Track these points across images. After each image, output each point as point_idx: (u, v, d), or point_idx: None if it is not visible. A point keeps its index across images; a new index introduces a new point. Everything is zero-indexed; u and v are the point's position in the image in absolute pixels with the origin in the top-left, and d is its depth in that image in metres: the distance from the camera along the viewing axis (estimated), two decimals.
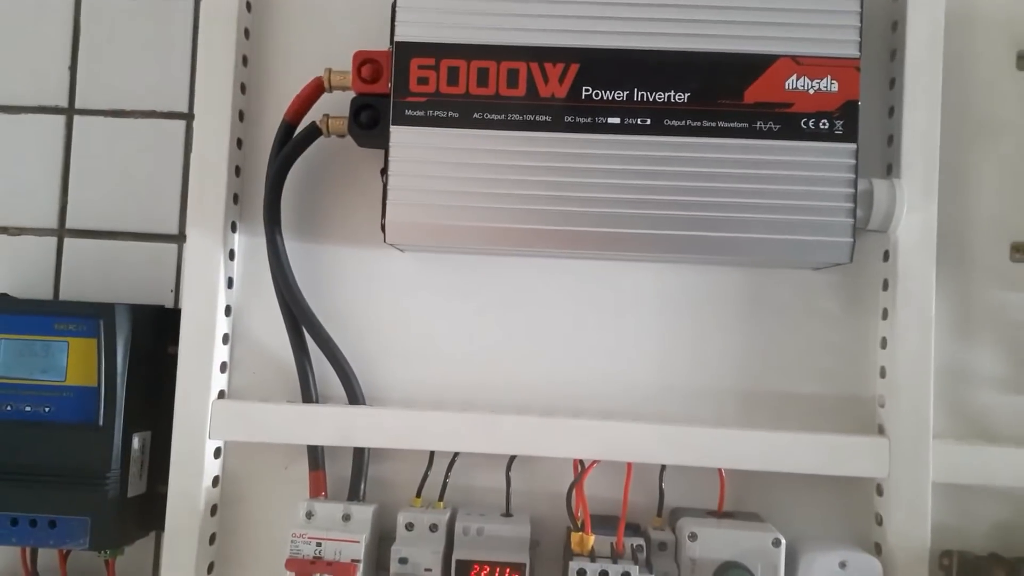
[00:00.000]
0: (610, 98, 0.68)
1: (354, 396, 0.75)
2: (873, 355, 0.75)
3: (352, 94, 0.71)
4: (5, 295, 0.76)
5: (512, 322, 0.77)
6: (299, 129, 0.75)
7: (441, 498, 0.74)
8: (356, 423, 0.72)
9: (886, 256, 0.74)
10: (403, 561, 0.69)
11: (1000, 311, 0.76)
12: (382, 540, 0.73)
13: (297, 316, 0.75)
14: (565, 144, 0.68)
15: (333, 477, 0.76)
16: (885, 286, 0.74)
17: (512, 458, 0.74)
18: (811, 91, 0.68)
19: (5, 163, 0.82)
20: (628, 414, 0.76)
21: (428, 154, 0.68)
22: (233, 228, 0.77)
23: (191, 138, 0.80)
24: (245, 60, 0.78)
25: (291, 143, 0.74)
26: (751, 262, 0.74)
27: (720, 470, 0.72)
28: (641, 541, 0.69)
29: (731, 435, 0.71)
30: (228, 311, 0.76)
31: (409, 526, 0.71)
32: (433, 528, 0.71)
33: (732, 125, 0.67)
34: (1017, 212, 0.76)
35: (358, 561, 0.68)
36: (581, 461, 0.72)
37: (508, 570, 0.68)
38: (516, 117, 0.68)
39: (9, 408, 0.72)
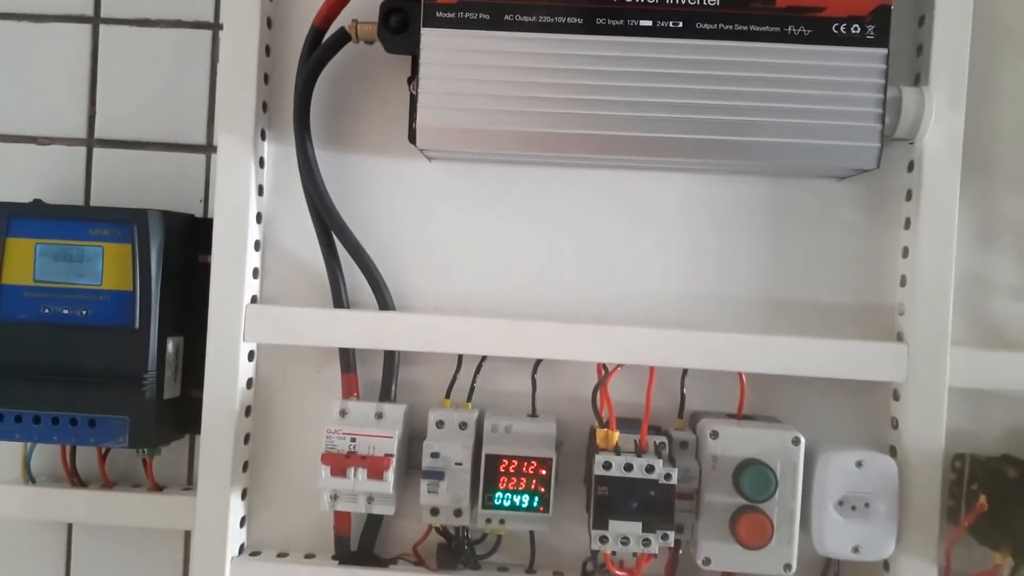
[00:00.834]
0: (642, 0, 0.67)
1: (384, 303, 0.77)
2: (894, 264, 0.77)
3: None
4: (39, 201, 0.77)
5: (539, 232, 0.78)
6: (328, 35, 0.75)
7: (469, 400, 0.76)
8: (386, 327, 0.74)
9: (911, 166, 0.75)
10: (435, 455, 0.71)
11: (1022, 221, 0.77)
12: (412, 440, 0.75)
13: (327, 223, 0.76)
14: (596, 47, 0.68)
15: (364, 381, 0.78)
16: (908, 196, 0.75)
17: (537, 362, 0.76)
18: None
19: (32, 73, 0.82)
20: (651, 322, 0.77)
21: (459, 57, 0.69)
22: (263, 136, 0.77)
23: (217, 48, 0.80)
24: None
25: (320, 49, 0.74)
26: (778, 169, 0.74)
27: (740, 374, 0.74)
28: (664, 439, 0.71)
29: (752, 340, 0.73)
30: (259, 218, 0.78)
31: (440, 424, 0.73)
32: (463, 426, 0.73)
33: (764, 29, 0.67)
34: None
35: (391, 456, 0.71)
36: (604, 365, 0.73)
37: (536, 464, 0.70)
38: (547, 19, 0.68)
39: (47, 311, 0.74)
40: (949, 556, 0.74)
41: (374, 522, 0.77)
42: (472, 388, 0.76)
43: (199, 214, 0.81)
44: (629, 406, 0.75)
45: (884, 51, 0.67)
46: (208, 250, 0.75)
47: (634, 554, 0.70)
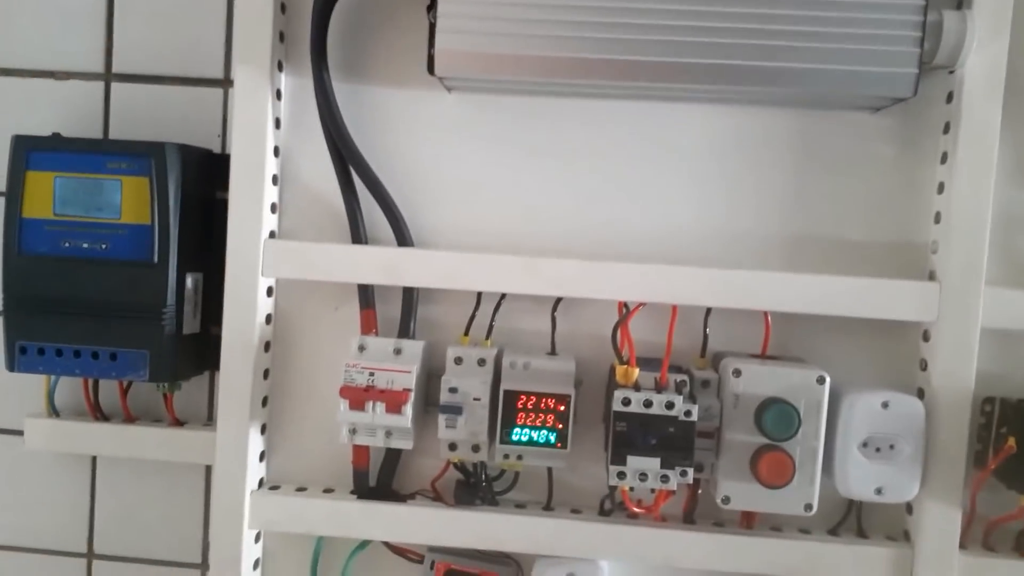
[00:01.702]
0: None
1: (403, 238, 0.76)
2: (928, 201, 0.74)
3: None
4: (57, 134, 0.76)
5: (559, 167, 0.77)
6: None
7: (488, 338, 0.75)
8: (404, 263, 0.73)
9: (949, 97, 0.72)
10: (453, 390, 0.70)
11: None
12: (431, 378, 0.75)
13: (345, 156, 0.75)
14: None
15: (383, 318, 0.77)
16: (946, 129, 0.72)
17: (558, 300, 0.75)
18: None
19: (49, 7, 0.81)
20: (675, 260, 0.75)
21: None
22: (280, 67, 0.76)
23: None
24: None
25: None
26: (809, 99, 0.72)
27: (765, 313, 0.72)
28: (685, 377, 0.70)
29: (777, 278, 0.71)
30: (276, 152, 0.77)
31: (458, 360, 0.73)
32: (481, 362, 0.72)
33: None
34: None
35: (409, 390, 0.70)
36: (626, 304, 0.72)
37: (554, 400, 0.70)
38: None
39: (68, 245, 0.74)
40: (974, 499, 0.73)
41: (392, 457, 0.77)
42: (491, 326, 0.75)
43: (217, 150, 0.80)
44: (650, 345, 0.74)
45: None
46: (226, 186, 0.75)
47: (652, 491, 0.70)
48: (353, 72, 0.77)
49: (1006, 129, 0.71)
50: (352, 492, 0.77)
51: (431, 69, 0.69)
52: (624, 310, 0.72)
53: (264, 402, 0.78)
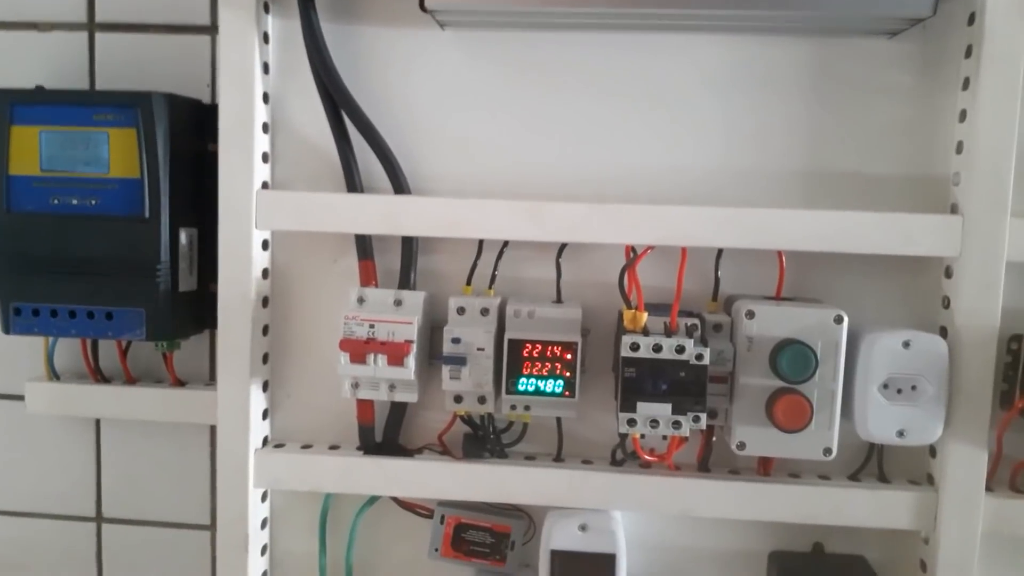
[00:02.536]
0: None
1: (399, 186, 0.73)
2: (949, 130, 0.70)
3: None
4: (40, 87, 0.74)
5: (561, 106, 0.73)
6: None
7: (491, 287, 0.73)
8: (402, 211, 0.71)
9: (971, 19, 0.68)
10: (456, 341, 0.68)
11: None
12: (434, 331, 0.73)
13: (337, 101, 0.72)
14: None
15: (382, 269, 0.75)
16: (968, 52, 0.68)
17: (562, 246, 0.72)
18: None
19: None
20: (684, 200, 0.72)
21: None
22: (266, 9, 0.73)
23: None
24: None
25: None
26: (821, 23, 0.68)
27: (779, 253, 0.70)
28: (696, 321, 0.67)
29: (791, 215, 0.68)
30: (266, 98, 0.74)
31: (460, 310, 0.70)
32: (484, 312, 0.70)
33: None
34: None
35: (411, 341, 0.68)
36: (634, 248, 0.69)
37: (560, 348, 0.67)
38: None
39: (57, 202, 0.72)
40: (1000, 440, 0.70)
41: (398, 412, 0.75)
42: (494, 275, 0.73)
43: (207, 100, 0.78)
44: (660, 291, 0.71)
45: None
46: (217, 138, 0.72)
47: (664, 438, 0.68)
48: (342, 11, 0.74)
49: None
50: (358, 448, 0.76)
51: (422, 4, 0.65)
52: (632, 254, 0.69)
53: (265, 359, 0.76)
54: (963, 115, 0.69)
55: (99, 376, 0.79)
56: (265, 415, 0.77)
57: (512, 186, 0.74)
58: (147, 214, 0.71)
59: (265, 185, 0.74)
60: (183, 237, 0.74)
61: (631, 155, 0.73)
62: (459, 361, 0.68)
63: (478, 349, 0.68)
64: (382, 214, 0.71)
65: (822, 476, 0.72)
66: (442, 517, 0.74)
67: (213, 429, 0.80)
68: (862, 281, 0.72)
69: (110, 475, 0.83)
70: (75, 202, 0.72)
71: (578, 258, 0.74)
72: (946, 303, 0.70)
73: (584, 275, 0.74)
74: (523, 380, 0.68)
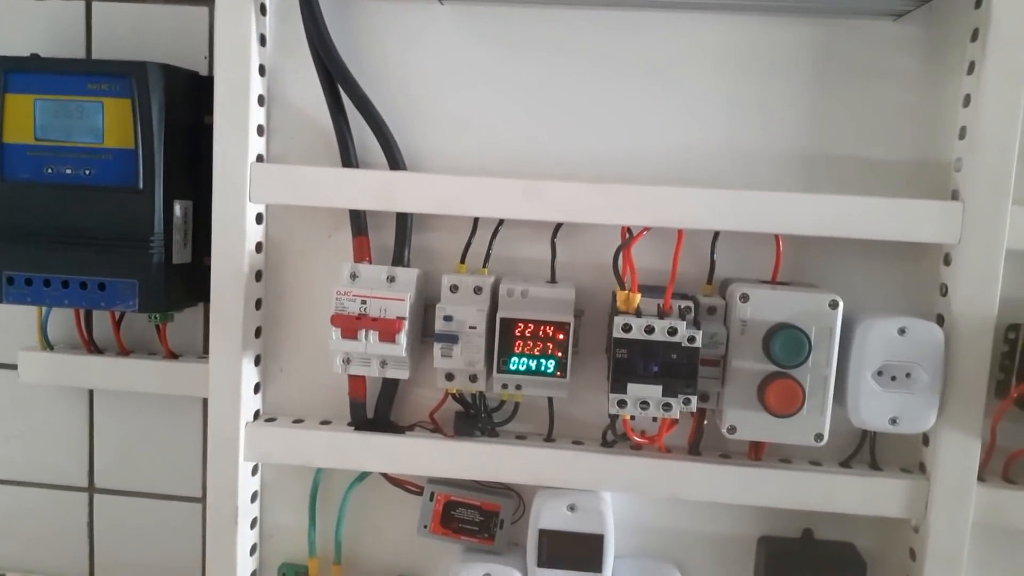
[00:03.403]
0: None
1: (395, 162, 0.72)
2: (953, 115, 0.69)
3: None
4: (35, 55, 0.73)
5: (561, 83, 0.73)
6: None
7: (485, 266, 0.73)
8: (397, 187, 0.70)
9: (978, 2, 0.66)
10: (448, 319, 0.68)
11: None
12: (427, 309, 0.72)
13: (333, 74, 0.71)
14: None
15: (377, 246, 0.75)
16: (974, 36, 0.67)
17: (558, 226, 0.72)
18: None
19: None
20: (681, 181, 0.72)
21: None
22: None
23: None
24: None
25: None
26: (825, 5, 0.67)
27: (776, 237, 0.69)
28: (690, 303, 0.67)
29: (789, 198, 0.67)
30: (262, 71, 0.73)
31: (453, 288, 0.70)
32: (477, 290, 0.70)
33: None
34: None
35: (403, 318, 0.68)
36: (629, 229, 0.69)
37: (553, 328, 0.67)
38: None
39: (50, 171, 0.72)
40: (995, 430, 0.70)
41: (389, 388, 0.75)
42: (488, 254, 0.72)
43: (204, 72, 0.77)
44: (655, 274, 0.71)
45: None
46: (213, 110, 0.71)
47: (654, 420, 0.67)
48: None
49: None
50: (350, 424, 0.75)
51: None
52: (627, 235, 0.68)
53: (257, 333, 0.76)
54: (967, 100, 0.68)
55: (92, 347, 0.79)
56: (257, 389, 0.77)
57: (509, 164, 0.73)
58: (141, 185, 0.71)
59: (260, 158, 0.74)
60: (177, 209, 0.74)
61: (630, 135, 0.72)
62: (451, 339, 0.68)
63: (470, 327, 0.68)
64: (377, 190, 0.70)
65: (813, 462, 0.72)
66: (432, 494, 0.74)
67: (205, 402, 0.80)
68: (860, 267, 0.72)
69: (103, 446, 0.83)
70: (69, 172, 0.72)
71: (574, 238, 0.73)
72: (944, 290, 0.69)
73: (580, 256, 0.74)
74: (515, 359, 0.67)
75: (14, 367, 0.79)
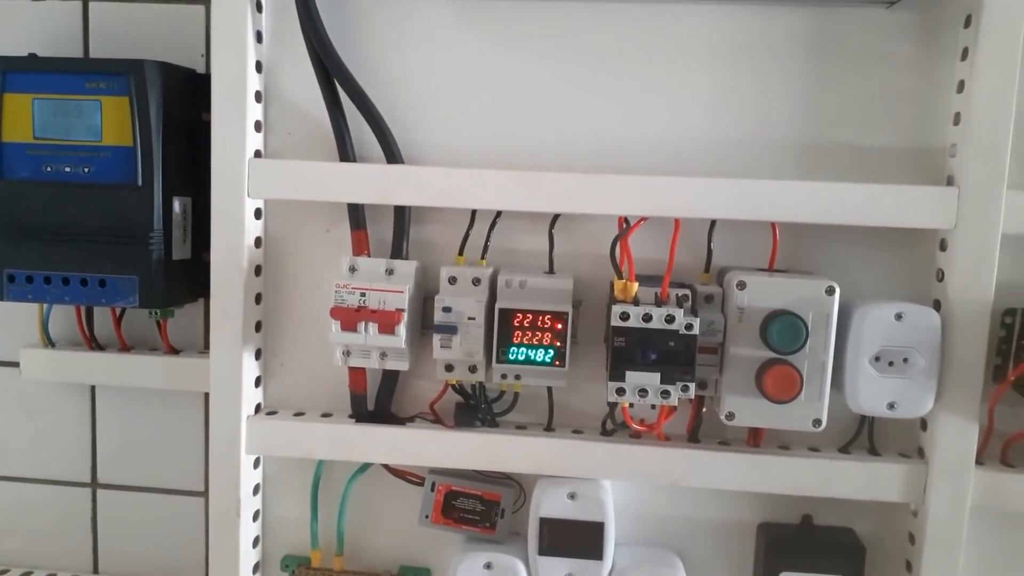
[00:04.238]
0: None
1: (392, 156, 0.73)
2: (947, 101, 0.70)
3: None
4: (33, 55, 0.73)
5: (557, 75, 0.73)
6: None
7: (483, 258, 0.73)
8: (395, 180, 0.70)
9: None
10: (447, 310, 0.68)
11: None
12: (425, 300, 0.73)
13: (329, 69, 0.72)
14: None
15: (375, 240, 0.75)
16: (967, 22, 0.67)
17: (555, 217, 0.72)
18: None
19: None
20: (678, 171, 0.72)
21: None
22: None
23: None
24: None
25: None
26: None
27: (773, 225, 0.69)
28: (687, 291, 0.67)
29: (785, 186, 0.67)
30: (259, 67, 0.73)
31: (452, 280, 0.70)
32: (476, 282, 0.70)
33: None
34: None
35: (402, 310, 0.68)
36: (627, 219, 0.69)
37: (551, 318, 0.67)
38: None
39: (49, 169, 0.72)
40: (992, 414, 0.70)
41: (389, 380, 0.75)
42: (486, 245, 0.73)
43: (202, 70, 0.77)
44: (652, 263, 0.71)
45: None
46: (210, 108, 0.72)
47: (653, 407, 0.68)
48: None
49: None
50: (350, 416, 0.76)
51: None
52: (625, 225, 0.69)
53: (258, 327, 0.76)
54: (961, 86, 0.68)
55: (94, 344, 0.79)
56: (258, 383, 0.77)
57: (506, 156, 0.74)
58: (140, 182, 0.71)
59: (258, 154, 0.74)
60: (176, 206, 0.74)
61: (626, 125, 0.73)
62: (450, 330, 0.68)
63: (469, 318, 0.68)
64: (374, 183, 0.71)
65: (812, 448, 0.73)
66: (433, 484, 0.74)
67: (207, 396, 0.80)
68: (856, 254, 0.72)
69: (105, 441, 0.83)
70: (68, 170, 0.72)
71: (571, 229, 0.74)
72: (940, 276, 0.70)
73: (577, 246, 0.74)
74: (513, 349, 0.68)
75: (16, 365, 0.80)
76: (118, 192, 0.72)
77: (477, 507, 0.73)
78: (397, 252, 0.74)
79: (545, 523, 0.70)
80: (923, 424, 0.71)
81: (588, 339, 0.73)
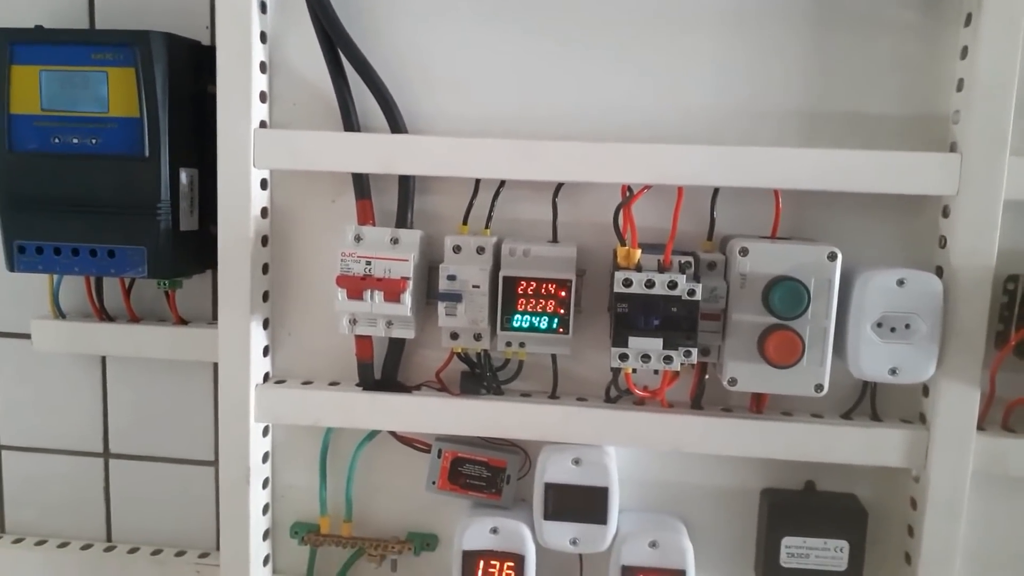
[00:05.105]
0: None
1: (396, 126, 0.73)
2: (950, 67, 0.69)
3: None
4: (40, 27, 0.74)
5: (559, 43, 0.73)
6: None
7: (487, 227, 0.73)
8: (399, 150, 0.71)
9: None
10: (451, 278, 0.69)
11: None
12: (430, 270, 0.73)
13: (333, 39, 0.72)
14: None
15: (380, 210, 0.75)
16: None
17: (559, 185, 0.73)
18: None
19: None
20: (680, 139, 0.72)
21: None
22: None
23: None
24: None
25: None
26: None
27: (776, 192, 0.69)
28: (690, 258, 0.67)
29: (788, 154, 0.68)
30: (264, 38, 0.74)
31: (456, 248, 0.71)
32: (480, 250, 0.70)
33: None
34: None
35: (408, 278, 0.69)
36: (630, 187, 0.69)
37: (555, 286, 0.68)
38: None
39: (57, 141, 0.73)
40: (994, 380, 0.70)
41: (396, 349, 0.76)
42: (490, 215, 0.73)
43: (206, 42, 0.78)
44: (656, 232, 0.72)
45: None
46: (216, 80, 0.72)
47: (656, 373, 0.68)
48: None
49: None
50: (357, 384, 0.77)
51: None
52: (628, 193, 0.69)
53: (265, 297, 0.77)
54: (964, 52, 0.68)
55: (104, 315, 0.80)
56: (266, 352, 0.78)
57: (509, 125, 0.74)
58: (147, 153, 0.72)
59: (263, 125, 0.75)
60: (183, 177, 0.75)
61: (629, 93, 0.73)
62: (454, 298, 0.69)
63: (473, 286, 0.69)
64: (379, 153, 0.71)
65: (815, 414, 0.73)
66: (439, 451, 0.75)
67: (215, 366, 0.81)
68: (859, 221, 0.72)
69: (116, 411, 0.84)
70: (75, 141, 0.73)
71: (575, 198, 0.74)
72: (942, 242, 0.70)
73: (581, 215, 0.74)
74: (518, 317, 0.69)
75: (28, 336, 0.81)
76: (126, 163, 0.72)
77: (483, 473, 0.74)
78: (402, 222, 0.74)
79: (550, 488, 0.71)
80: (925, 390, 0.72)
81: (592, 309, 0.73)
